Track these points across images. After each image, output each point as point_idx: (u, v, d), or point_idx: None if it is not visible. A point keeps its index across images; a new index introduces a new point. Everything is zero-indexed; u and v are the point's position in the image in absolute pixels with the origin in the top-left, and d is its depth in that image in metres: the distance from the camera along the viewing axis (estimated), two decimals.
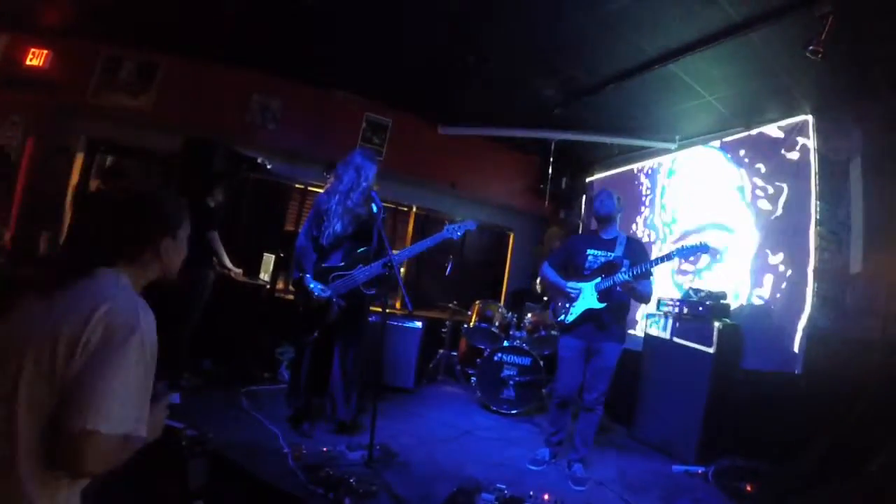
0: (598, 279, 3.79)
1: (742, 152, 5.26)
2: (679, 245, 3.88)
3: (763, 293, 4.79)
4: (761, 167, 5.02)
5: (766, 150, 4.99)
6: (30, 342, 1.20)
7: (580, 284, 3.86)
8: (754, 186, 5.06)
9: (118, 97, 5.61)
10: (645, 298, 3.92)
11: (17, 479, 1.16)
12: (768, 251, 4.80)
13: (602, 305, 3.77)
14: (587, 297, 3.82)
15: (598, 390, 3.84)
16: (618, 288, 3.72)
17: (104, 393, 1.18)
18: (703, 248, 3.60)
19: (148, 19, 5.08)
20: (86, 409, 1.15)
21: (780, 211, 4.77)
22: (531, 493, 3.15)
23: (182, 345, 4.24)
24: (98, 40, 5.56)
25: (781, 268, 4.66)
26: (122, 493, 1.94)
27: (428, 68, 5.44)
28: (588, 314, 3.82)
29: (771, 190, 4.87)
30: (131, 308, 1.29)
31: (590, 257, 3.91)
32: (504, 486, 3.13)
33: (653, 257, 3.82)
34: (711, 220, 5.52)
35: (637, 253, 3.89)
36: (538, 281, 6.31)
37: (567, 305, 3.91)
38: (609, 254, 3.87)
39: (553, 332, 5.36)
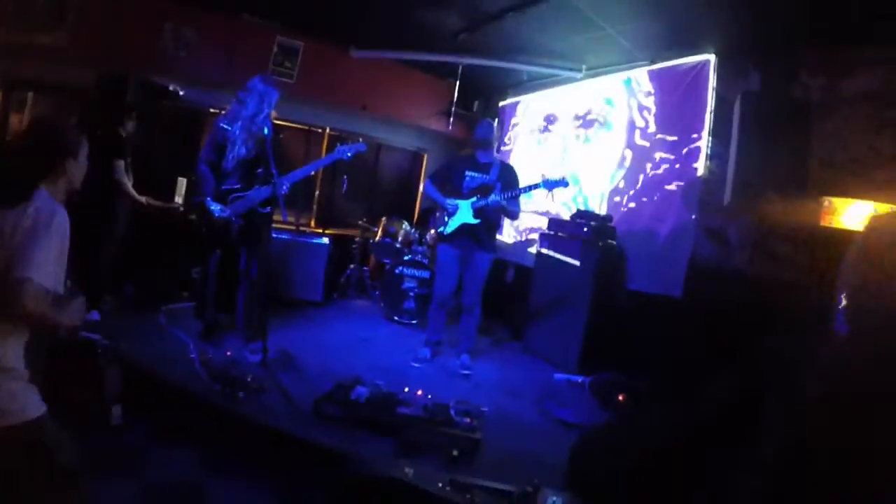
0: (475, 198, 4.33)
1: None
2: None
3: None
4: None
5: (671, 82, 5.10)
6: None
7: (458, 201, 4.38)
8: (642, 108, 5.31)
9: (32, 34, 5.48)
10: (514, 216, 4.54)
11: None
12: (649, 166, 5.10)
13: (477, 221, 4.33)
14: (464, 212, 4.36)
15: (473, 292, 4.49)
16: (490, 207, 4.27)
17: (34, 253, 1.69)
18: (563, 183, 4.16)
19: None
20: (21, 263, 1.66)
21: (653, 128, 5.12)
22: (406, 388, 3.52)
23: (102, 269, 4.46)
24: None
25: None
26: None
27: None
28: (464, 228, 4.37)
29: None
30: (51, 204, 1.81)
31: (467, 178, 4.43)
32: (382, 383, 3.50)
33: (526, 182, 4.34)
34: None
35: (508, 177, 4.43)
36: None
37: (446, 218, 4.45)
38: (484, 176, 4.40)
39: None
